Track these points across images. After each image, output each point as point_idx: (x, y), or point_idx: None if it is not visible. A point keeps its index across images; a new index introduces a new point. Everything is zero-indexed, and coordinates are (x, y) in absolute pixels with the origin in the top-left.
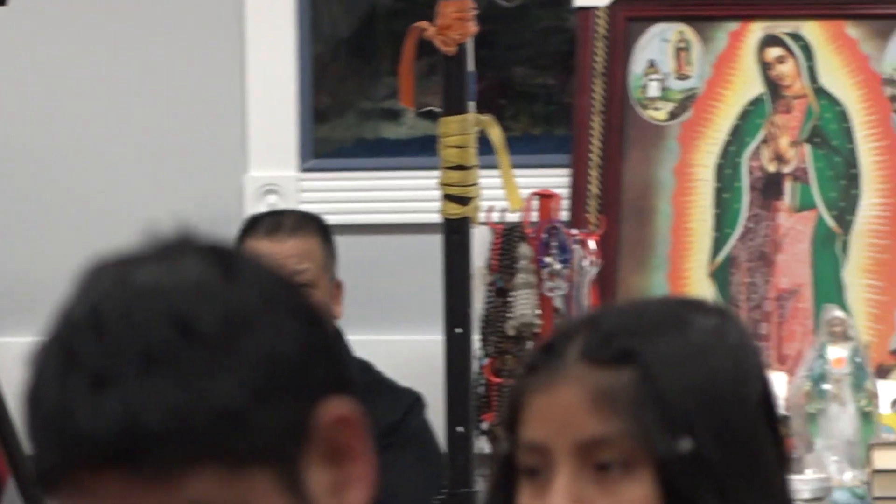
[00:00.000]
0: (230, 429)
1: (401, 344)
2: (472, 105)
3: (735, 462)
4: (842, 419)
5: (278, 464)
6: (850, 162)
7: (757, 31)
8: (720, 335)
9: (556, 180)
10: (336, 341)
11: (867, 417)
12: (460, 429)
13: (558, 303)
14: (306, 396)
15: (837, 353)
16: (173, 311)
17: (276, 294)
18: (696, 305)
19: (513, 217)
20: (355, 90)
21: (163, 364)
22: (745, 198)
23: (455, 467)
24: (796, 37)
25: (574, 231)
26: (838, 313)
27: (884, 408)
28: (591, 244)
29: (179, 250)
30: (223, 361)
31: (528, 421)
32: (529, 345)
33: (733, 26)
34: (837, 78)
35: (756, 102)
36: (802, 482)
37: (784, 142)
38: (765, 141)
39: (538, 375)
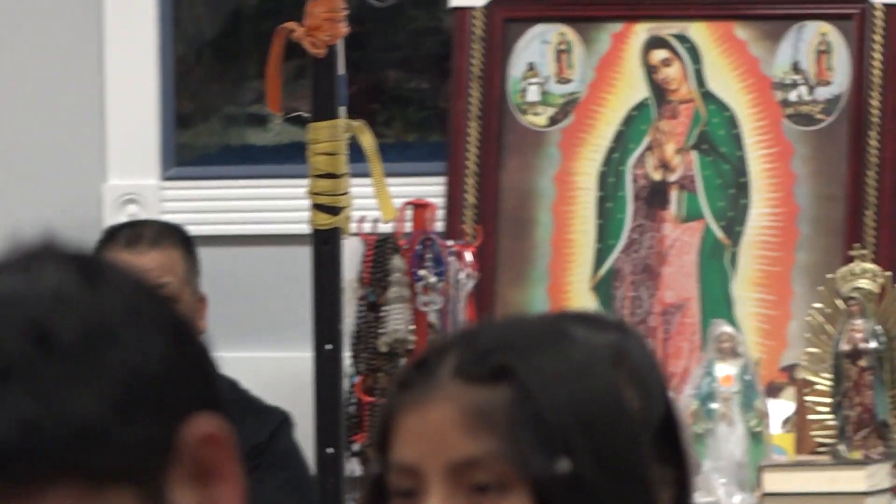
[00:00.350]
0: (89, 445)
1: (268, 361)
2: (342, 110)
3: (615, 483)
4: (730, 440)
5: (141, 482)
6: (739, 170)
7: (641, 32)
8: (604, 351)
9: (431, 189)
10: (205, 356)
11: (757, 438)
12: (330, 450)
13: (433, 318)
14: (171, 413)
15: (726, 370)
16: (30, 321)
17: (141, 306)
18: (591, 321)
19: (385, 228)
20: (220, 94)
21: (18, 376)
22: (630, 207)
23: (325, 490)
24: (683, 38)
25: (450, 242)
26: (727, 329)
27: (774, 428)
28: (468, 256)
29: (39, 259)
30: (82, 374)
31: (399, 441)
32: (403, 362)
33: (616, 27)
34: (726, 82)
35: (640, 107)
36: None
37: (670, 149)
38: (650, 148)
39: (410, 393)
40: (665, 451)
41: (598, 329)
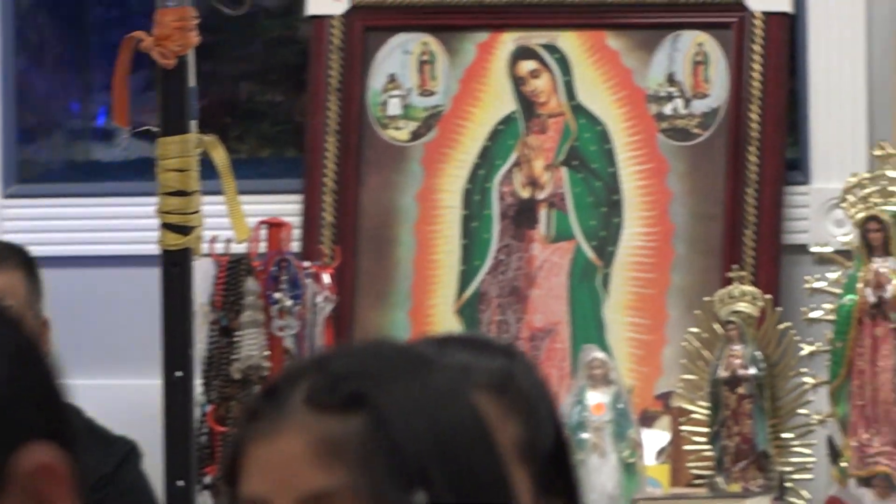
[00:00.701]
0: None
1: (115, 389)
2: (193, 124)
3: None
4: (602, 471)
5: None
6: (612, 187)
7: (508, 42)
8: (483, 376)
9: (287, 207)
10: (50, 383)
11: (630, 469)
12: (180, 482)
13: (289, 343)
14: (5, 441)
15: (597, 398)
16: None
17: None
18: (477, 345)
19: (239, 248)
20: (64, 108)
21: None
22: (496, 227)
23: None
24: (552, 48)
25: (306, 264)
26: (598, 354)
27: (649, 459)
28: (326, 278)
29: None
30: None
31: (248, 474)
32: (257, 389)
33: (482, 37)
34: (597, 94)
35: (507, 121)
36: None
37: (538, 165)
38: (517, 164)
39: (259, 423)
40: (555, 481)
41: (484, 354)
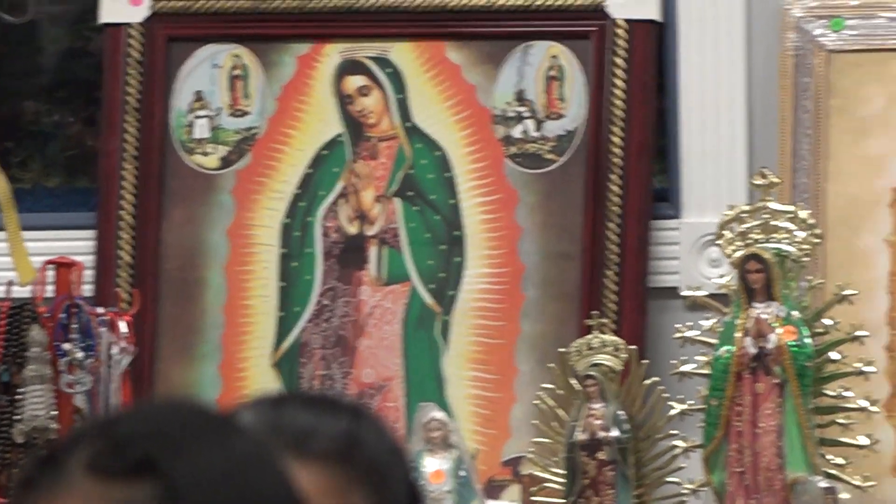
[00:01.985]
0: None
1: None
2: None
3: None
4: None
5: None
6: (453, 221)
7: (333, 54)
8: (295, 440)
9: (79, 244)
10: None
11: None
12: None
13: (80, 401)
14: None
15: (436, 464)
16: None
17: None
18: (318, 404)
19: (22, 292)
20: None
21: None
22: (319, 267)
23: None
24: (383, 62)
25: (100, 310)
26: (437, 414)
27: None
28: (123, 326)
29: None
30: None
31: None
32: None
33: (303, 49)
34: (436, 114)
35: (332, 145)
36: None
37: (368, 196)
38: (344, 195)
39: (36, 493)
40: None
41: (326, 415)
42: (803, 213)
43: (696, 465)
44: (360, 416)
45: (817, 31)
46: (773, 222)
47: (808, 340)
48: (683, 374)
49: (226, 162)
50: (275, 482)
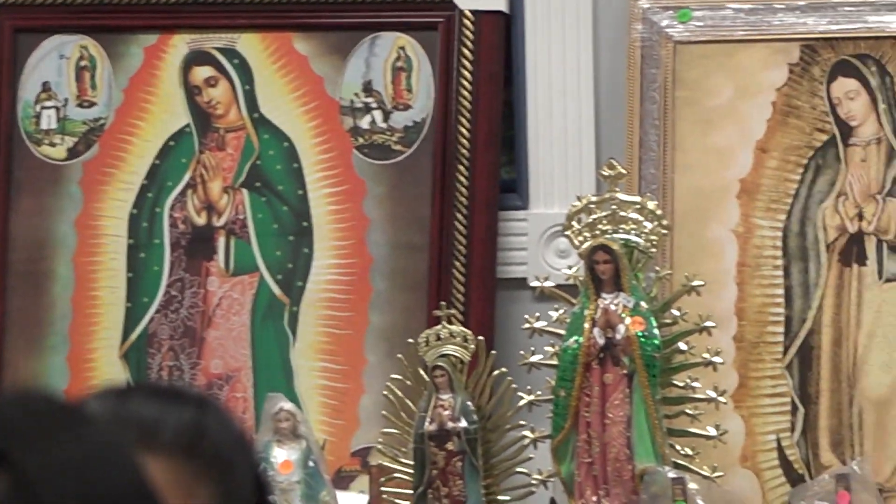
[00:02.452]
0: None
1: None
2: None
3: None
4: None
5: None
6: (301, 213)
7: (180, 45)
8: (131, 435)
9: None
10: None
11: None
12: None
13: None
14: None
15: (284, 455)
16: None
17: None
18: (162, 395)
19: None
20: None
21: None
22: (167, 258)
23: None
24: (230, 53)
25: None
26: (286, 405)
27: None
28: None
29: None
30: None
31: None
32: None
33: (150, 40)
34: (283, 105)
35: (180, 136)
36: None
37: (216, 187)
38: (191, 185)
39: None
40: None
41: (172, 406)
42: (651, 204)
43: (544, 455)
44: (205, 407)
45: (664, 23)
46: (620, 213)
47: (656, 331)
48: (532, 364)
49: (73, 153)
50: (128, 473)
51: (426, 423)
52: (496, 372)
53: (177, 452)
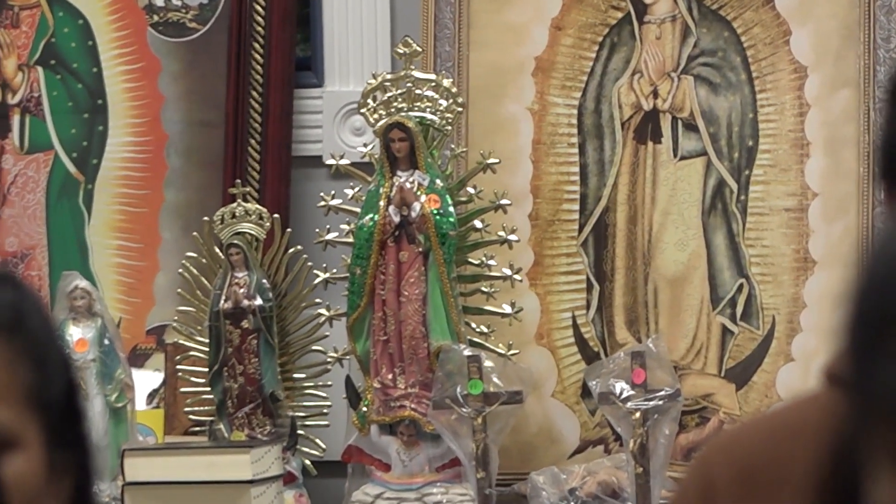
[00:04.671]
0: None
1: None
2: None
3: None
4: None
5: None
6: (96, 90)
7: None
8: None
9: None
10: None
11: (118, 415)
12: None
13: None
14: None
15: (80, 333)
16: None
17: None
18: None
19: None
20: None
21: None
22: None
23: None
24: None
25: None
26: (81, 283)
27: (140, 403)
28: None
29: None
30: None
31: None
32: None
33: None
34: None
35: None
36: None
37: (11, 64)
38: None
39: None
40: (66, 433)
41: None
42: (446, 82)
43: (340, 333)
44: (21, 288)
45: None
46: (416, 91)
47: (451, 209)
48: (327, 242)
49: None
50: None
51: (221, 301)
52: (292, 250)
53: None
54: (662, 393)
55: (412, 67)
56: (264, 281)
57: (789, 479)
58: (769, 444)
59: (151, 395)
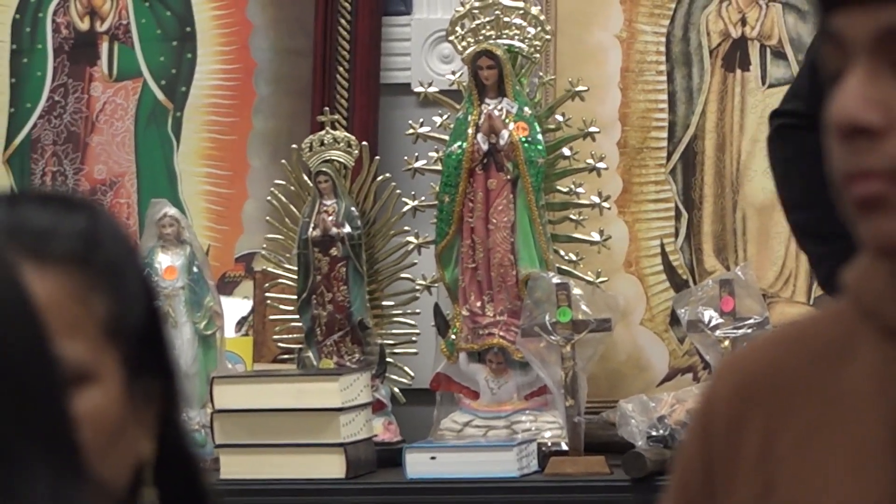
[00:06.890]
0: None
1: None
2: None
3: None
4: (175, 345)
5: None
6: (184, 17)
7: None
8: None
9: None
10: None
11: (207, 343)
12: None
13: None
14: None
15: (169, 261)
16: None
17: None
18: (53, 202)
19: None
20: None
21: None
22: (50, 63)
23: None
24: None
25: None
26: (170, 210)
27: (228, 330)
28: None
29: None
30: None
31: None
32: None
33: None
34: None
35: None
36: None
37: None
38: None
39: None
40: (148, 361)
41: (64, 215)
42: (534, 10)
43: (428, 260)
44: (96, 216)
45: None
46: (504, 18)
47: (539, 136)
48: (416, 170)
49: None
50: (6, 287)
51: (310, 229)
52: (380, 178)
53: (71, 263)
54: (751, 321)
55: None
56: (353, 209)
57: (784, 384)
58: (768, 353)
59: (240, 323)
